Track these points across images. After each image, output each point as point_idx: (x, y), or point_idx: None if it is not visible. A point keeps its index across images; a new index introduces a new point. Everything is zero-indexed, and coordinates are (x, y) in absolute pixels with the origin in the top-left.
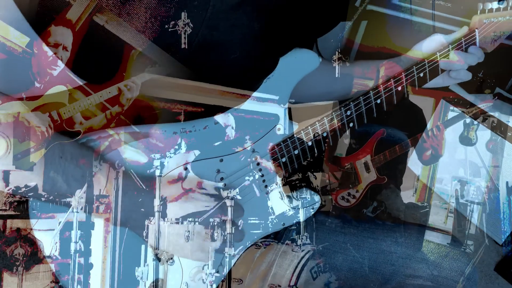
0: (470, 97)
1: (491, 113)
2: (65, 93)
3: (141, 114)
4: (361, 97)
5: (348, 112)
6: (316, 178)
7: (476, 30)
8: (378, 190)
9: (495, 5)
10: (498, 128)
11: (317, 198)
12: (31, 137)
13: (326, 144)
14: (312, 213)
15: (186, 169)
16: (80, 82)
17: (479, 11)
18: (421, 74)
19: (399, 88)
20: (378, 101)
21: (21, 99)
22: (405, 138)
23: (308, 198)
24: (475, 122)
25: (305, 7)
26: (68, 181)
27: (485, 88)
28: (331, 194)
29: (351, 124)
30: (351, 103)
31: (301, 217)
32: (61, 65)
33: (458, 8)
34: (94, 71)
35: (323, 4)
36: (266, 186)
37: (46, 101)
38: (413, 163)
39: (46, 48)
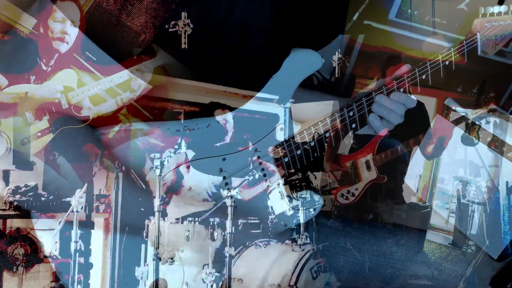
0: (467, 111)
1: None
2: (74, 77)
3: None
4: (363, 99)
5: (351, 113)
6: (316, 178)
7: (478, 33)
8: (378, 190)
9: (496, 9)
10: (493, 144)
11: (318, 198)
12: (42, 110)
13: (327, 144)
14: (314, 214)
15: (188, 167)
16: (89, 66)
17: (480, 15)
18: (423, 76)
19: (401, 90)
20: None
21: (28, 81)
22: (400, 143)
23: (309, 198)
24: (477, 122)
25: (305, 21)
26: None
27: (487, 93)
28: (331, 192)
29: (353, 125)
30: (354, 104)
31: (301, 218)
32: (69, 41)
33: (453, 25)
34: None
35: (322, 18)
36: (268, 187)
37: (54, 85)
38: (415, 162)
39: (52, 24)
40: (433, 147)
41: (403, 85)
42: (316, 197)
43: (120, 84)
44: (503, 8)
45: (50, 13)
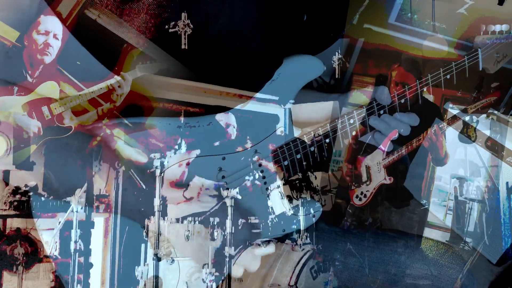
0: (465, 117)
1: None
2: (56, 88)
3: (138, 104)
4: (364, 107)
5: (351, 121)
6: (316, 178)
7: (479, 49)
8: (381, 191)
9: (498, 27)
10: (493, 148)
11: (317, 205)
12: (17, 138)
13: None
14: (314, 221)
15: (188, 164)
16: (71, 77)
17: (481, 32)
18: (425, 89)
19: (402, 101)
20: (382, 111)
21: (11, 92)
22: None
23: (309, 198)
24: (475, 119)
25: (305, 24)
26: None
27: (487, 89)
28: (349, 191)
29: (353, 133)
30: (354, 112)
31: (302, 224)
32: (52, 52)
33: (453, 29)
34: (88, 69)
35: (321, 22)
36: (267, 189)
37: (37, 96)
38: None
39: (36, 36)
40: (431, 156)
41: (404, 97)
42: (316, 203)
43: (101, 95)
44: (504, 27)
45: (35, 27)
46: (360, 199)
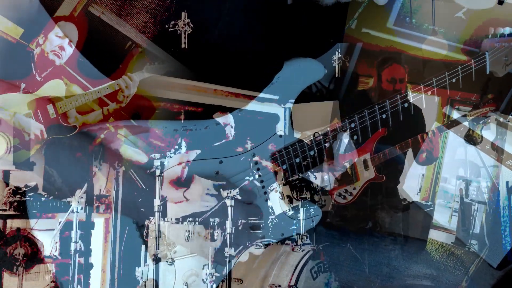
0: (465, 121)
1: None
2: (63, 87)
3: (139, 109)
4: (366, 111)
5: (352, 125)
6: (316, 178)
7: (487, 52)
8: (376, 190)
9: (507, 30)
10: (493, 151)
11: (316, 209)
12: (19, 139)
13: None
14: (314, 225)
15: (184, 168)
16: (78, 77)
17: (490, 35)
18: (429, 93)
19: (406, 105)
20: (384, 115)
21: (18, 88)
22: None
23: (309, 198)
24: (481, 121)
25: (304, 29)
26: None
27: (489, 92)
28: (329, 192)
29: (355, 137)
30: (356, 115)
31: (302, 228)
32: (64, 56)
33: (451, 34)
34: (95, 66)
35: (320, 27)
36: (265, 193)
37: (43, 94)
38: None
39: (53, 36)
40: (424, 156)
41: (407, 101)
42: (314, 208)
43: (108, 95)
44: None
45: (52, 28)
46: (344, 197)
